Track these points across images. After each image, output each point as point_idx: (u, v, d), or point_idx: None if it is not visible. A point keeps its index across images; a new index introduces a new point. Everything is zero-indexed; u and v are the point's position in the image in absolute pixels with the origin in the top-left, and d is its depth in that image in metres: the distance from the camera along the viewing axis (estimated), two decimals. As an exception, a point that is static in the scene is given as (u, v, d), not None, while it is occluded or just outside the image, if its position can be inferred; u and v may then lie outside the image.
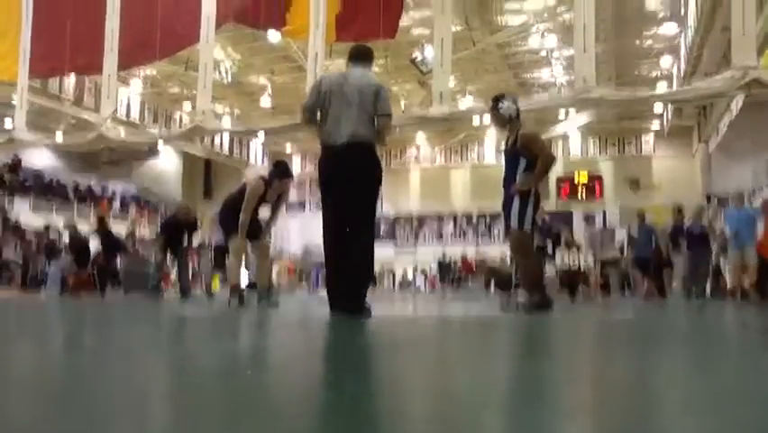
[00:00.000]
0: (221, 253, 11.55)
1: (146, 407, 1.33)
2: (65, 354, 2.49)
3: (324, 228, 4.94)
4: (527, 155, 5.83)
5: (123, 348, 2.65)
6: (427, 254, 32.05)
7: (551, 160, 5.94)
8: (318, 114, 4.97)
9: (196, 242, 17.47)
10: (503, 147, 6.25)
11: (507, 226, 6.09)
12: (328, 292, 4.87)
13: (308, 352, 2.64)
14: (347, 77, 5.00)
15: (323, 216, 4.95)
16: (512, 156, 5.97)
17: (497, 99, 6.19)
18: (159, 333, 3.82)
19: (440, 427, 1.15)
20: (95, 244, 13.63)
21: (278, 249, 19.18)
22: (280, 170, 7.61)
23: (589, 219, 13.68)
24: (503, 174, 6.07)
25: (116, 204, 31.23)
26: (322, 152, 4.94)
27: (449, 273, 28.74)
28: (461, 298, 13.98)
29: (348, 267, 4.74)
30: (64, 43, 14.81)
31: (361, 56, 5.22)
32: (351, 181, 4.74)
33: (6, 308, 7.39)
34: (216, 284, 15.91)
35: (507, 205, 5.97)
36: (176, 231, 11.81)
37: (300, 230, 34.19)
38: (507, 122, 6.09)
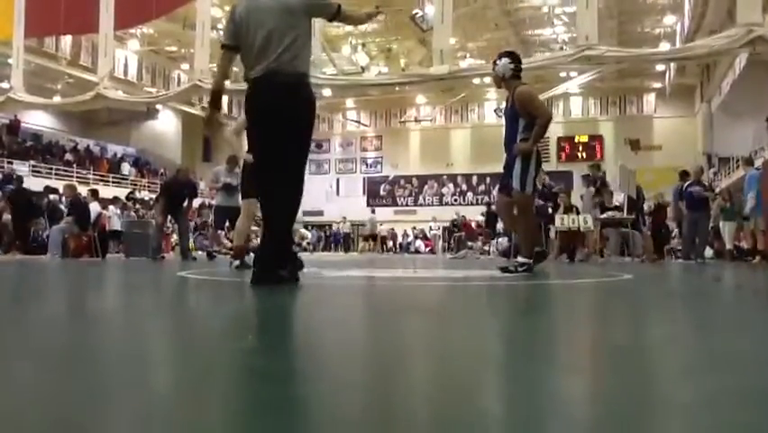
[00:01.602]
0: (222, 213, 11.45)
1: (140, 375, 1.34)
2: (66, 319, 2.49)
3: (258, 175, 4.29)
4: (525, 115, 5.79)
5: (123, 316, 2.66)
6: (426, 216, 32.11)
7: (547, 119, 5.84)
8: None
9: (196, 203, 17.45)
10: (503, 107, 6.23)
11: (504, 186, 6.06)
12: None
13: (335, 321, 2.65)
14: (258, 1, 4.08)
15: (255, 159, 4.23)
16: (511, 116, 5.91)
17: (499, 56, 6.11)
18: (160, 297, 3.84)
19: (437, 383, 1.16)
20: (95, 207, 13.63)
21: None
22: None
23: (586, 179, 13.60)
24: (504, 135, 6.03)
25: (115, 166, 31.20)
26: (247, 87, 4.07)
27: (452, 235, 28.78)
28: (467, 261, 14.02)
29: (275, 228, 4.03)
30: (59, 3, 14.59)
31: None
32: (278, 121, 3.92)
33: (10, 270, 7.42)
34: (193, 246, 16.07)
35: (509, 166, 5.93)
36: (176, 194, 11.75)
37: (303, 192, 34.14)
38: (500, 81, 6.01)
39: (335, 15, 4.19)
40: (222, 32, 4.21)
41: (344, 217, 31.70)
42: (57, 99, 22.40)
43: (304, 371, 1.38)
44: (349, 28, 27.32)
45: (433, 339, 1.91)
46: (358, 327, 2.26)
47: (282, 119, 3.91)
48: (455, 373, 1.32)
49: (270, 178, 4.03)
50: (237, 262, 7.04)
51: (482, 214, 20.61)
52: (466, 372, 1.34)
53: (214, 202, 12.41)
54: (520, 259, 5.91)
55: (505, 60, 5.98)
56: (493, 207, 15.45)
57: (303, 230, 30.48)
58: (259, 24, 3.95)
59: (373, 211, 31.01)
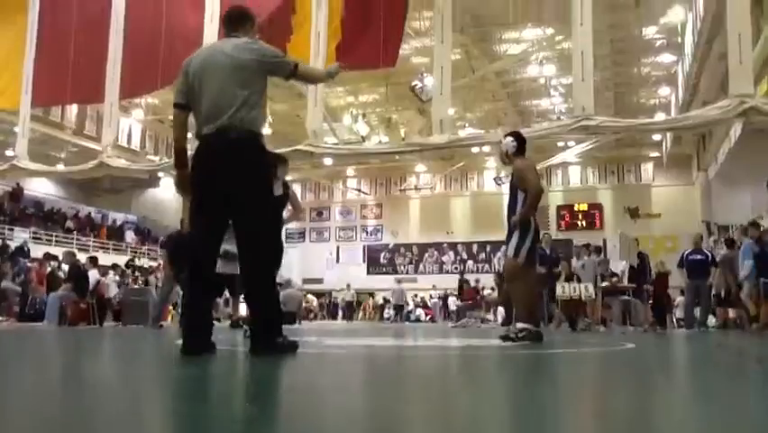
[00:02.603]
0: (223, 282, 11.32)
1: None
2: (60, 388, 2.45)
3: (193, 241, 4.02)
4: (521, 188, 6.07)
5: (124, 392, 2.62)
6: (427, 284, 31.95)
7: (535, 190, 6.12)
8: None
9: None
10: (502, 176, 6.54)
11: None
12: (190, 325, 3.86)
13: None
14: (217, 49, 3.95)
15: (193, 223, 3.95)
16: (512, 189, 6.19)
17: (506, 135, 6.51)
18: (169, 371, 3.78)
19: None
20: (93, 274, 13.58)
21: (285, 279, 18.97)
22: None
23: (584, 248, 13.61)
24: (507, 207, 6.26)
25: (116, 233, 31.26)
26: (197, 144, 3.89)
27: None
28: (467, 330, 13.88)
29: (252, 295, 3.89)
30: (66, 73, 14.88)
31: (233, 20, 4.06)
32: (231, 184, 3.72)
33: (7, 339, 7.34)
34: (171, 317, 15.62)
35: (509, 236, 6.14)
36: (185, 250, 11.15)
37: (302, 260, 34.14)
38: (504, 157, 6.36)
39: (292, 74, 4.03)
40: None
41: (348, 285, 31.57)
42: (60, 167, 22.60)
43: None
44: (350, 99, 27.91)
45: (434, 410, 1.87)
46: (366, 401, 2.21)
47: (233, 178, 3.71)
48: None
49: (209, 241, 3.82)
50: (248, 331, 6.94)
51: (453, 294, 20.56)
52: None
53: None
54: (519, 325, 5.90)
55: (509, 139, 6.36)
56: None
57: (310, 295, 30.26)
58: (211, 81, 3.81)
59: (399, 282, 30.30)
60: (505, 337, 5.93)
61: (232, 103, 3.76)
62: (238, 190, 3.74)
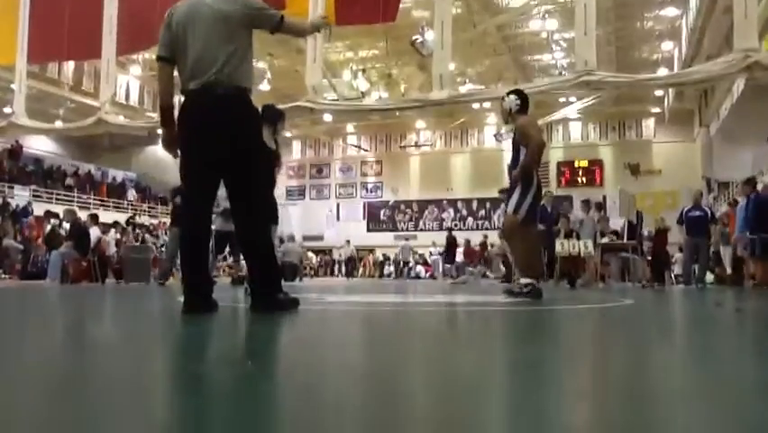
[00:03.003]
0: (222, 239, 11.32)
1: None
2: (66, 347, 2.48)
3: (185, 199, 3.97)
4: (524, 144, 6.03)
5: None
6: (427, 241, 32.09)
7: (539, 144, 6.12)
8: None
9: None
10: (503, 132, 6.50)
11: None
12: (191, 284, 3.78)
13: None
14: (193, 4, 3.81)
15: (184, 180, 3.86)
16: (515, 147, 6.16)
17: (508, 93, 6.41)
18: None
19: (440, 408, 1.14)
20: (95, 232, 13.61)
21: (288, 234, 19.02)
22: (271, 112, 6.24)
23: (584, 204, 13.64)
24: (509, 162, 6.29)
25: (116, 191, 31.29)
26: (183, 100, 3.81)
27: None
28: (466, 286, 13.97)
29: (249, 252, 3.86)
30: (62, 29, 14.70)
31: None
32: (220, 140, 3.65)
33: (9, 296, 7.39)
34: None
35: (510, 193, 6.15)
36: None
37: (302, 217, 34.22)
38: (507, 115, 6.29)
39: (277, 27, 3.96)
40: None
41: (348, 241, 31.67)
42: (58, 124, 22.49)
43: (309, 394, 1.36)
44: (350, 54, 27.58)
45: (434, 364, 1.89)
46: (367, 357, 2.24)
47: (222, 135, 3.65)
48: (465, 395, 1.31)
49: (201, 200, 3.78)
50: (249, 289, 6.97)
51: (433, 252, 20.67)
52: (474, 395, 1.33)
53: (213, 227, 12.26)
54: (523, 280, 5.93)
55: (512, 97, 6.27)
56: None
57: (309, 253, 30.42)
58: (195, 34, 3.70)
59: (407, 239, 30.61)
60: (509, 292, 6.01)
61: (217, 57, 3.67)
62: (228, 147, 3.67)
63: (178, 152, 3.87)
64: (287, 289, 4.00)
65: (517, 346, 2.56)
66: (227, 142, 3.66)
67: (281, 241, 17.52)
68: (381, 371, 1.77)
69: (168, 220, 11.71)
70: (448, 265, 21.06)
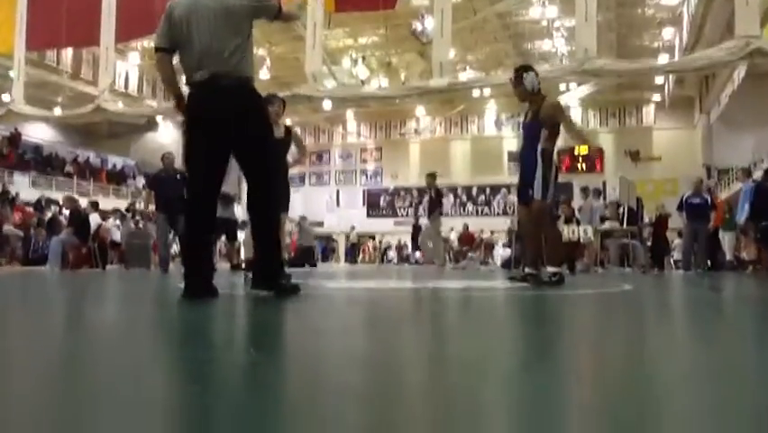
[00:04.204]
0: (220, 226, 11.22)
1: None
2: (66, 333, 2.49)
3: (189, 186, 3.96)
4: (549, 125, 5.80)
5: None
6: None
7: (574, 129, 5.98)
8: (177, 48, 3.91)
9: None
10: (521, 120, 6.22)
11: (524, 196, 6.03)
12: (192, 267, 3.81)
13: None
14: None
15: (190, 170, 3.94)
16: (533, 128, 5.90)
17: (521, 70, 6.08)
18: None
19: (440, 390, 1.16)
20: (94, 218, 13.62)
21: (300, 215, 18.99)
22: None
23: (585, 191, 13.66)
24: (521, 147, 6.05)
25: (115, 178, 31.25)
26: (190, 90, 3.89)
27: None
28: (467, 272, 14.00)
29: (256, 238, 3.94)
30: (61, 16, 14.64)
31: None
32: (220, 125, 3.74)
33: (10, 282, 7.41)
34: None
35: (526, 176, 5.93)
36: (170, 190, 10.25)
37: (302, 204, 34.22)
38: (529, 94, 5.97)
39: (276, 16, 4.10)
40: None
41: (353, 227, 31.62)
42: (57, 112, 22.43)
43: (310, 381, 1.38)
44: (349, 41, 27.48)
45: (440, 347, 1.91)
46: (380, 341, 2.26)
47: (232, 125, 3.74)
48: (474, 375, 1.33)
49: (207, 188, 3.83)
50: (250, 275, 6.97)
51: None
52: (480, 375, 1.35)
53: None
54: (550, 269, 5.89)
55: (532, 74, 5.95)
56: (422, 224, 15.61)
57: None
58: (200, 26, 3.77)
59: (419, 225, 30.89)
60: (536, 280, 5.80)
61: (224, 49, 3.74)
62: (236, 136, 3.75)
63: (183, 140, 3.93)
64: (302, 273, 4.08)
65: (519, 331, 2.58)
66: (236, 130, 3.74)
67: (298, 224, 17.49)
68: (379, 356, 1.78)
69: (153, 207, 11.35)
70: (415, 253, 21.52)
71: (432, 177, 13.22)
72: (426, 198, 13.48)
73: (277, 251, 3.96)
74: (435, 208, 13.22)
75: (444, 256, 15.56)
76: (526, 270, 6.03)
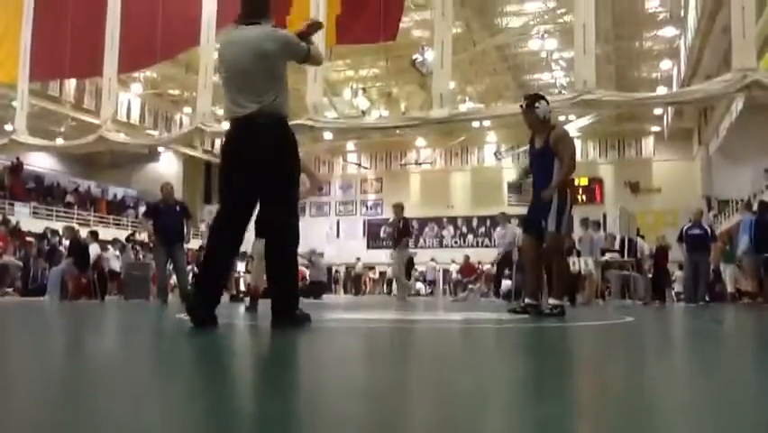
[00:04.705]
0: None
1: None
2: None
3: (218, 217, 4.07)
4: (561, 153, 5.79)
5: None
6: (427, 258, 32.09)
7: (574, 165, 5.90)
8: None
9: (195, 244, 17.05)
10: (529, 147, 6.15)
11: (531, 227, 5.97)
12: (203, 293, 3.95)
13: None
14: (242, 36, 4.03)
15: (222, 202, 4.12)
16: (545, 155, 5.87)
17: (533, 98, 6.10)
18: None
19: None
20: (94, 248, 13.60)
21: (311, 249, 19.01)
22: None
23: (584, 223, 13.63)
24: (534, 176, 6.00)
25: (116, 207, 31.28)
26: (228, 129, 4.10)
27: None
28: (466, 303, 13.95)
29: (275, 271, 4.03)
30: (65, 47, 14.77)
31: (256, 9, 4.07)
32: (255, 163, 3.89)
33: (8, 313, 7.38)
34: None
35: (537, 207, 5.89)
36: (169, 219, 10.45)
37: (303, 235, 34.17)
38: (541, 122, 5.98)
39: (305, 59, 4.24)
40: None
41: (358, 258, 31.76)
42: (60, 141, 22.53)
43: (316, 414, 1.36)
44: (350, 73, 27.74)
45: (442, 379, 1.89)
46: (386, 374, 2.23)
47: (262, 164, 3.87)
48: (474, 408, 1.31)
49: (236, 224, 3.96)
50: (248, 303, 6.96)
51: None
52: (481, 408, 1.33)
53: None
54: (552, 301, 5.82)
55: (544, 103, 5.99)
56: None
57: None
58: (236, 69, 3.97)
59: (432, 259, 31.38)
60: (536, 311, 5.74)
61: (258, 90, 3.90)
62: (270, 171, 3.89)
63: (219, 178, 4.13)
64: (317, 306, 4.13)
65: (521, 363, 2.56)
66: (268, 167, 3.89)
67: (309, 260, 17.51)
68: (383, 386, 1.76)
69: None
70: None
71: (399, 207, 13.26)
72: (392, 230, 13.42)
73: (293, 284, 4.13)
74: (402, 239, 13.23)
75: (408, 289, 15.58)
76: (527, 300, 6.00)
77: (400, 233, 13.26)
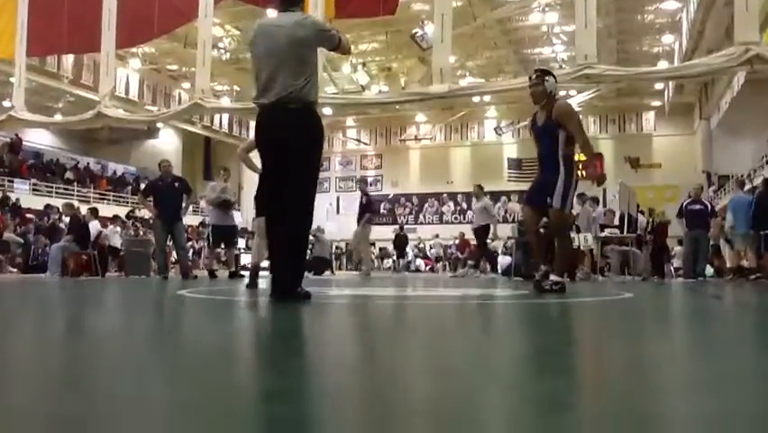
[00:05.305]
0: (219, 233, 11.23)
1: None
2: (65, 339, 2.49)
3: (259, 199, 4.60)
4: (566, 125, 5.73)
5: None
6: (427, 234, 32.14)
7: (584, 133, 5.90)
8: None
9: (195, 220, 17.04)
10: (531, 125, 6.08)
11: (535, 200, 5.93)
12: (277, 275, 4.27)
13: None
14: (276, 24, 4.28)
15: (264, 181, 4.56)
16: (549, 130, 5.80)
17: (542, 73, 6.07)
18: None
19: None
20: (94, 225, 13.60)
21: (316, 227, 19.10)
22: None
23: (581, 198, 13.56)
24: (538, 152, 5.92)
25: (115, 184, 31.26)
26: (259, 114, 4.29)
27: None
28: (467, 280, 13.99)
29: (281, 247, 4.20)
30: (62, 22, 14.65)
31: None
32: (283, 146, 4.09)
33: (9, 290, 7.40)
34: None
35: (542, 184, 5.82)
36: (167, 196, 10.59)
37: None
38: (546, 97, 5.91)
39: (336, 47, 4.43)
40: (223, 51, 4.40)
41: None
42: (58, 118, 22.44)
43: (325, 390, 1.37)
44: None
45: (442, 354, 1.90)
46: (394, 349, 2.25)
47: (290, 148, 4.04)
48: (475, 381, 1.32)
49: (274, 202, 4.19)
50: (248, 280, 6.97)
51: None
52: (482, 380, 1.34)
53: (210, 221, 12.19)
54: (554, 278, 5.75)
55: (552, 80, 5.97)
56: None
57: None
58: (269, 52, 4.12)
59: (437, 236, 31.52)
60: (539, 287, 5.74)
61: (289, 76, 4.05)
62: (296, 155, 4.07)
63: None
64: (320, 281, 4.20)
65: (522, 339, 2.57)
66: (295, 150, 4.08)
67: (314, 236, 17.58)
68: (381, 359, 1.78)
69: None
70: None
71: (363, 182, 13.37)
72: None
73: (301, 261, 4.36)
74: (365, 214, 13.27)
75: (372, 263, 15.71)
76: (552, 278, 5.78)
77: (363, 208, 13.33)
